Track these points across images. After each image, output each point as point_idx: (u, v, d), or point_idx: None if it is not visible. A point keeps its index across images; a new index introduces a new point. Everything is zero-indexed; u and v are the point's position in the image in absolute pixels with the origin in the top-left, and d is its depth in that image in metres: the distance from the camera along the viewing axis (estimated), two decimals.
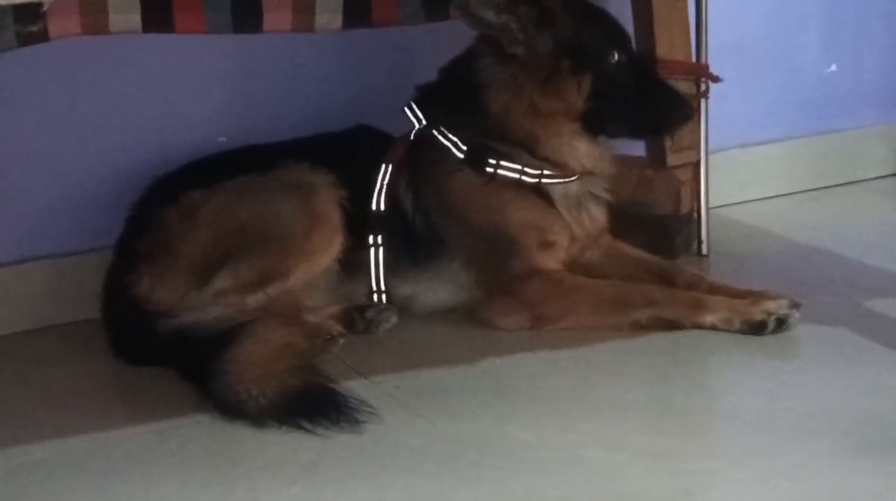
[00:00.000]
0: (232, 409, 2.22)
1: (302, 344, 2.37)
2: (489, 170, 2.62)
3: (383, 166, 2.63)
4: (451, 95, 2.69)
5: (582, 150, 2.65)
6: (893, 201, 3.45)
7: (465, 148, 2.63)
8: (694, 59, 3.02)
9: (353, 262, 2.61)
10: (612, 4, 3.13)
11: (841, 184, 3.48)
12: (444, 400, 2.31)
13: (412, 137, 2.68)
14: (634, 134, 2.74)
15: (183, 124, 2.84)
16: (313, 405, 2.18)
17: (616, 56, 2.62)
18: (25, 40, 2.55)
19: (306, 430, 2.16)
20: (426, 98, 2.72)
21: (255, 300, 2.50)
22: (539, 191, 2.64)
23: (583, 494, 1.97)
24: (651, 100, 2.65)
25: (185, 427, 2.22)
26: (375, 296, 2.64)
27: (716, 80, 3.01)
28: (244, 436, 2.19)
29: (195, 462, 2.11)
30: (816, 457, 2.05)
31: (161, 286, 2.48)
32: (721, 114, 3.05)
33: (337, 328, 2.55)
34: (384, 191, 2.62)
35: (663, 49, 2.96)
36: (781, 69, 3.44)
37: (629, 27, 3.04)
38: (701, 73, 3.00)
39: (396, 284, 2.65)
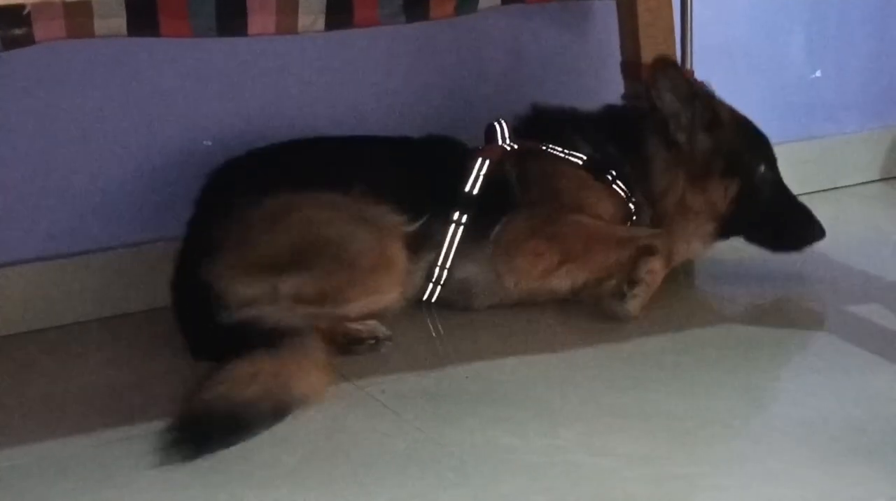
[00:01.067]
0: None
1: (299, 367, 2.33)
2: (608, 177, 2.76)
3: (480, 159, 2.74)
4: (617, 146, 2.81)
5: (696, 250, 2.86)
6: (877, 206, 3.47)
7: (585, 158, 2.76)
8: (679, 64, 3.03)
9: (414, 243, 2.65)
10: (598, 11, 3.15)
11: (825, 190, 3.49)
12: (429, 404, 2.31)
13: (511, 147, 2.78)
14: (767, 243, 2.86)
15: (169, 127, 2.83)
16: (212, 434, 2.16)
17: (763, 169, 2.82)
18: (10, 44, 2.54)
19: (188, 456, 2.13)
20: (550, 122, 2.84)
21: (305, 312, 2.50)
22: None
23: (567, 498, 1.97)
24: (788, 216, 2.84)
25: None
26: (437, 272, 2.69)
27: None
28: None
29: (179, 468, 2.10)
30: (801, 463, 2.05)
31: (235, 280, 2.50)
32: None
33: (381, 330, 2.57)
34: (479, 177, 2.72)
35: (648, 54, 2.96)
36: (766, 75, 3.45)
37: (614, 33, 3.06)
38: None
39: (459, 263, 2.69)
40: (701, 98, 2.80)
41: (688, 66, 3.05)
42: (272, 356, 2.28)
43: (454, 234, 2.69)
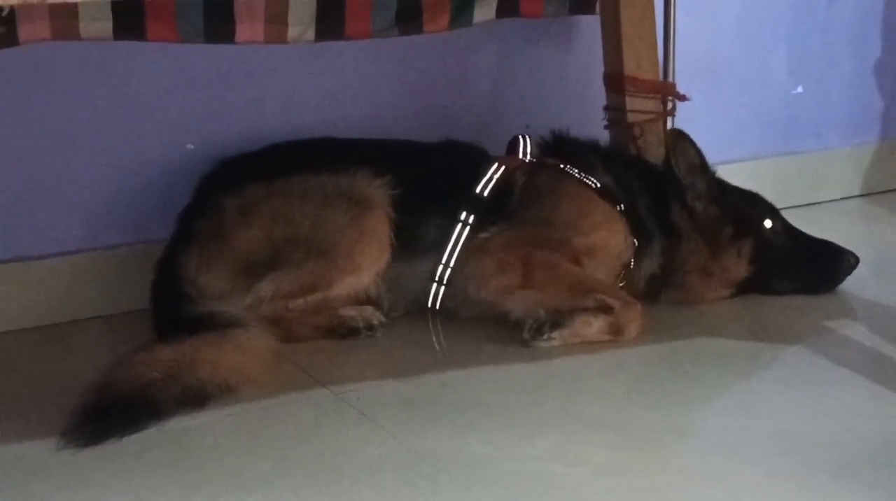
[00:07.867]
0: None
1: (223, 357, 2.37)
2: (619, 208, 2.76)
3: (496, 163, 2.75)
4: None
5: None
6: (857, 222, 3.48)
7: (599, 184, 2.77)
8: (661, 77, 3.05)
9: (410, 243, 2.68)
10: (582, 24, 3.16)
11: (806, 205, 3.51)
12: (404, 411, 2.32)
13: (530, 159, 2.81)
14: (804, 289, 2.87)
15: (151, 130, 2.84)
16: (114, 418, 2.19)
17: (769, 221, 2.87)
18: None
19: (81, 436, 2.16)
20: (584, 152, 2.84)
21: (295, 305, 2.58)
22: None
23: None
24: (813, 257, 2.88)
25: (145, 435, 2.21)
26: (440, 270, 2.69)
27: (682, 98, 3.04)
28: (205, 445, 2.19)
29: (155, 471, 2.11)
30: (774, 477, 2.05)
31: (206, 273, 2.57)
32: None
33: (377, 316, 2.63)
34: (493, 181, 2.73)
35: (631, 67, 2.99)
36: (748, 89, 3.47)
37: (597, 46, 3.08)
38: (668, 92, 3.03)
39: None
40: (709, 170, 2.85)
41: (670, 80, 3.07)
42: (183, 342, 2.34)
43: (460, 234, 2.70)
